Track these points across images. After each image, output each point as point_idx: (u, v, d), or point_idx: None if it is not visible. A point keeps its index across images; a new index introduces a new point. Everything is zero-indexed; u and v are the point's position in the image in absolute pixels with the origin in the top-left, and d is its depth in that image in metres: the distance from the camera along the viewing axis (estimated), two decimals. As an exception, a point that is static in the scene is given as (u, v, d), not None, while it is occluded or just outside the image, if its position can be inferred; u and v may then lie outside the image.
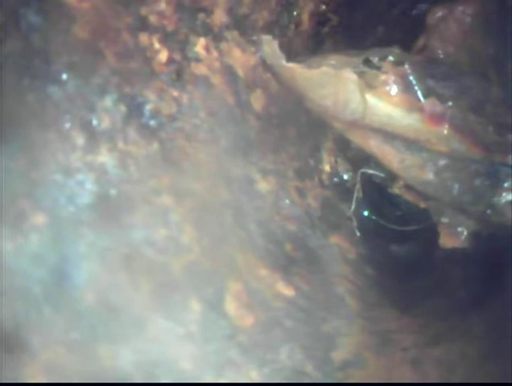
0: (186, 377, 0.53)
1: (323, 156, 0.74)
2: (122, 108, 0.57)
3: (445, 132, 0.63)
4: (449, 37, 0.69)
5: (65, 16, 0.54)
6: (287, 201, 0.67)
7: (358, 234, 0.72)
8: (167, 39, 0.60)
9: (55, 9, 0.53)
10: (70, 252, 0.52)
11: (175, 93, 0.60)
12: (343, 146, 0.74)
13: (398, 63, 0.65)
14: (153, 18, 0.59)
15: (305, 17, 0.72)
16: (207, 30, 0.63)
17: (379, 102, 0.64)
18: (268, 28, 0.68)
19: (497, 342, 0.57)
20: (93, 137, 0.54)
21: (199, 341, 0.54)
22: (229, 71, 0.65)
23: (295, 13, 0.71)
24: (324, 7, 0.73)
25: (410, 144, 0.65)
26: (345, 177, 0.75)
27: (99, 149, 0.55)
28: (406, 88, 0.64)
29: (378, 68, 0.65)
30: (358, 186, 0.74)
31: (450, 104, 0.64)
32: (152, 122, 0.58)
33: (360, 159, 0.73)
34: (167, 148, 0.59)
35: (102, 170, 0.54)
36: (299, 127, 0.71)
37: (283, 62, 0.65)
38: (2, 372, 0.47)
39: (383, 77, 0.64)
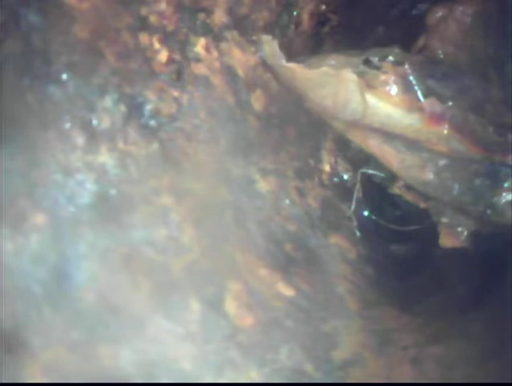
0: (186, 377, 0.53)
1: (323, 156, 0.74)
2: (122, 108, 0.57)
3: (445, 132, 0.63)
4: (449, 37, 0.69)
5: (65, 16, 0.54)
6: (287, 201, 0.67)
7: (358, 234, 0.72)
8: (167, 38, 0.60)
9: (55, 9, 0.53)
10: (70, 252, 0.52)
11: (175, 93, 0.60)
12: (343, 146, 0.74)
13: (398, 63, 0.65)
14: (153, 18, 0.59)
15: (305, 17, 0.72)
16: (207, 30, 0.63)
17: (379, 102, 0.64)
18: (268, 28, 0.68)
19: (496, 342, 0.57)
20: (93, 137, 0.54)
21: (199, 341, 0.54)
22: (229, 71, 0.65)
23: (295, 13, 0.71)
24: (324, 7, 0.73)
25: (410, 144, 0.65)
26: (345, 177, 0.75)
27: (99, 149, 0.55)
28: (406, 88, 0.64)
29: (378, 68, 0.65)
30: (358, 186, 0.74)
31: (450, 104, 0.64)
32: (152, 122, 0.58)
33: (360, 159, 0.73)
34: (167, 148, 0.59)
35: (102, 170, 0.55)
36: (299, 127, 0.71)
37: (283, 62, 0.65)
38: (2, 372, 0.46)
39: (383, 77, 0.64)
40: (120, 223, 0.55)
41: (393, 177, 0.71)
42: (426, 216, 0.71)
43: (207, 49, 0.63)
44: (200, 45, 0.62)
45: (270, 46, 0.65)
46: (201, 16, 0.63)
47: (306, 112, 0.68)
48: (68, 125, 0.53)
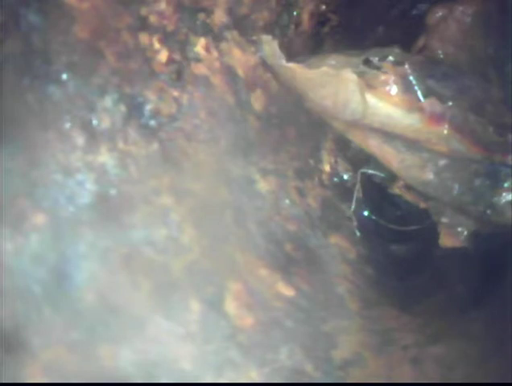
0: (186, 377, 0.53)
1: (323, 156, 0.74)
2: (122, 108, 0.57)
3: (445, 132, 0.63)
4: (449, 37, 0.69)
5: (65, 16, 0.54)
6: (287, 201, 0.67)
7: (358, 234, 0.72)
8: (167, 38, 0.60)
9: (55, 9, 0.53)
10: (70, 252, 0.52)
11: (175, 93, 0.60)
12: (343, 146, 0.74)
13: (398, 63, 0.65)
14: (153, 18, 0.59)
15: (305, 17, 0.72)
16: (207, 30, 0.63)
17: (379, 102, 0.64)
18: (268, 28, 0.68)
19: (496, 341, 0.57)
20: (93, 137, 0.55)
21: (199, 341, 0.54)
22: (229, 71, 0.65)
23: (295, 13, 0.71)
24: (324, 7, 0.73)
25: (410, 144, 0.65)
26: (345, 177, 0.75)
27: (99, 149, 0.55)
28: (406, 88, 0.64)
29: (378, 68, 0.65)
30: (358, 186, 0.74)
31: (450, 104, 0.64)
32: (152, 122, 0.58)
33: (360, 159, 0.73)
34: (167, 148, 0.59)
35: (102, 170, 0.55)
36: (299, 127, 0.71)
37: (283, 62, 0.65)
38: (2, 372, 0.47)
39: (383, 77, 0.64)
40: (120, 223, 0.55)
41: (393, 177, 0.71)
42: (426, 216, 0.71)
43: (207, 49, 0.63)
44: (200, 45, 0.62)
45: (270, 46, 0.65)
46: (201, 16, 0.63)
47: (306, 112, 0.68)
48: (68, 125, 0.53)
